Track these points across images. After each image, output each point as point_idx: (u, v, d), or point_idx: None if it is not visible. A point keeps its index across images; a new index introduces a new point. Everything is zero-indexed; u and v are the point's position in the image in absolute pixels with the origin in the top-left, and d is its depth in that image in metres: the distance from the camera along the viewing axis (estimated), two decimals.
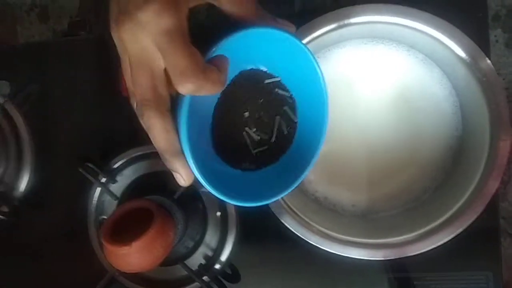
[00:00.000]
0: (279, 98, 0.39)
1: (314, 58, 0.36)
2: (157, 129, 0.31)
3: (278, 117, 0.39)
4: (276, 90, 0.38)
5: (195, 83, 0.29)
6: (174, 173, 0.34)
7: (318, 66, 0.37)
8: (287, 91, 0.39)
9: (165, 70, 0.30)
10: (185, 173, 0.33)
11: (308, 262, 0.50)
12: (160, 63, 0.30)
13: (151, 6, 0.29)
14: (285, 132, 0.39)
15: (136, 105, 0.32)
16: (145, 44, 0.30)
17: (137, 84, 0.31)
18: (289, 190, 0.38)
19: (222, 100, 0.37)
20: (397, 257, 0.44)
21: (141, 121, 0.32)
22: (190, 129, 0.32)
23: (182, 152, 0.33)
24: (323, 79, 0.37)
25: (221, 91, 0.32)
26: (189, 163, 0.33)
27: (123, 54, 0.32)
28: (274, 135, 0.39)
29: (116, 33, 0.30)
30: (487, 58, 0.42)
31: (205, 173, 0.34)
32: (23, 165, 0.55)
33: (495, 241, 0.48)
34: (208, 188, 0.34)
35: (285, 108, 0.39)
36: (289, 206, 0.46)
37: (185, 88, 0.30)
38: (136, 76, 0.31)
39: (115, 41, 0.31)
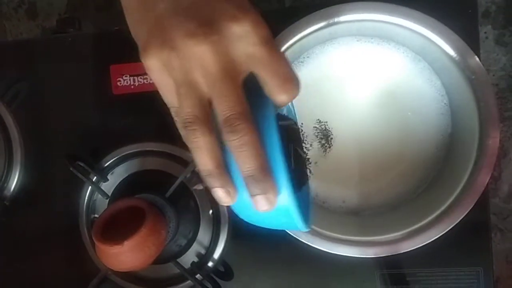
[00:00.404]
0: (285, 126, 0.38)
1: None
2: (250, 144, 0.28)
3: (291, 144, 0.37)
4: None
5: (298, 88, 0.29)
6: (257, 197, 0.29)
7: None
8: (288, 119, 0.38)
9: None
10: (275, 193, 0.29)
11: (300, 260, 0.50)
12: (244, 74, 0.29)
13: (250, 17, 0.28)
14: (302, 156, 0.38)
15: (224, 126, 0.28)
16: (235, 55, 0.28)
17: (224, 98, 0.28)
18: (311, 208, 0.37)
19: None
20: (388, 255, 0.44)
21: (230, 141, 0.28)
22: None
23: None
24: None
25: None
26: (281, 181, 0.29)
27: (195, 73, 0.28)
28: (293, 162, 0.37)
29: (191, 47, 0.27)
30: (476, 56, 0.42)
31: None
32: (13, 164, 0.54)
33: (485, 236, 0.48)
34: (296, 215, 0.30)
35: (293, 134, 0.38)
36: None
37: (289, 95, 0.29)
38: (222, 90, 0.28)
39: (176, 57, 0.28)
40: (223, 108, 0.28)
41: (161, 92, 0.30)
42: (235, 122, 0.28)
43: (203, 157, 0.29)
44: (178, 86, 0.29)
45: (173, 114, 0.31)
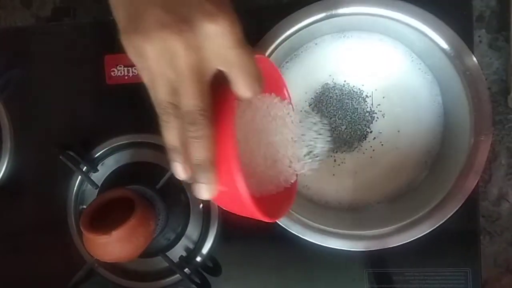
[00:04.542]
0: None
1: None
2: (205, 138, 0.30)
3: None
4: None
5: (262, 86, 0.32)
6: (199, 185, 0.32)
7: None
8: None
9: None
10: (215, 185, 0.32)
11: (290, 255, 0.49)
12: (212, 72, 0.30)
13: (227, 18, 0.28)
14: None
15: (185, 117, 0.30)
16: (206, 54, 0.29)
17: (190, 95, 0.30)
18: None
19: None
20: (377, 249, 0.44)
21: (188, 131, 0.30)
22: None
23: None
24: None
25: None
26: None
27: (166, 65, 0.29)
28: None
29: (164, 40, 0.28)
30: (471, 52, 0.42)
31: None
32: (1, 152, 0.54)
33: (474, 238, 0.49)
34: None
35: None
36: None
37: (255, 92, 0.32)
38: (188, 86, 0.30)
39: (149, 47, 0.29)
40: (187, 103, 0.30)
41: (138, 72, 0.32)
42: (196, 116, 0.30)
43: (172, 135, 0.31)
44: (152, 73, 0.30)
45: (150, 93, 0.32)
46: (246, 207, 0.32)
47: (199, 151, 0.31)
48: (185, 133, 0.31)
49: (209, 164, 0.31)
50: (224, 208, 0.36)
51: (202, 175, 0.31)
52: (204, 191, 0.32)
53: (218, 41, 0.29)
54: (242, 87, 0.31)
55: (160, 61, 0.29)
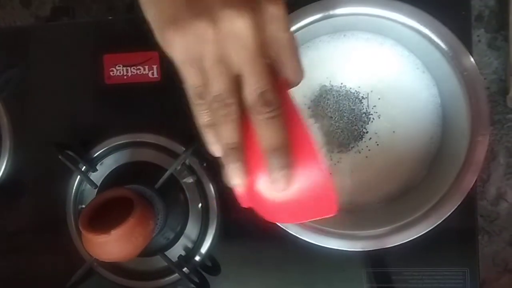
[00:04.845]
0: None
1: None
2: (282, 116, 0.29)
3: None
4: None
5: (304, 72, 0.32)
6: (281, 173, 0.29)
7: None
8: None
9: None
10: (292, 171, 0.30)
11: (288, 254, 0.50)
12: (266, 55, 0.30)
13: (283, 2, 0.29)
14: None
15: (258, 99, 0.29)
16: (266, 36, 0.29)
17: (259, 75, 0.29)
18: None
19: None
20: (375, 248, 0.44)
21: (263, 114, 0.29)
22: None
23: None
24: None
25: None
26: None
27: (230, 47, 0.28)
28: None
29: (233, 20, 0.27)
30: (468, 53, 0.42)
31: None
32: (0, 152, 0.54)
33: (472, 238, 0.49)
34: None
35: None
36: None
37: (303, 76, 0.32)
38: (257, 67, 0.29)
39: (211, 29, 0.27)
40: (257, 84, 0.29)
41: (184, 71, 0.30)
42: (270, 95, 0.29)
43: (233, 130, 0.30)
44: (209, 61, 0.29)
45: (192, 94, 0.30)
46: (322, 192, 0.30)
47: (277, 133, 0.29)
48: (256, 117, 0.29)
49: (286, 147, 0.29)
50: (268, 216, 0.34)
51: (280, 161, 0.29)
52: (283, 180, 0.29)
53: (277, 23, 0.29)
54: (293, 71, 0.31)
55: (223, 43, 0.28)
